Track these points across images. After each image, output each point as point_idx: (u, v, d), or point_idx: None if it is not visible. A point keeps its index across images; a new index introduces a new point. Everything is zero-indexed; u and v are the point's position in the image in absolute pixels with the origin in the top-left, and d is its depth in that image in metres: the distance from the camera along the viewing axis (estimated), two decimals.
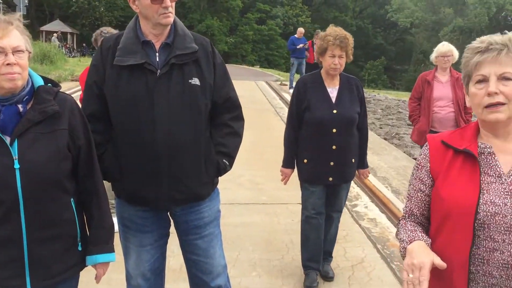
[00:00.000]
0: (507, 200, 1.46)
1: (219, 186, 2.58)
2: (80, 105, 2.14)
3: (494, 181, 1.49)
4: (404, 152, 9.10)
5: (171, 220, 2.52)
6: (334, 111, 3.39)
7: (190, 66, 2.29)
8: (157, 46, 2.26)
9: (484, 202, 1.46)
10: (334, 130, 3.37)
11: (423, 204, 1.64)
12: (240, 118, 2.56)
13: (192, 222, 2.44)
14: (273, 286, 3.68)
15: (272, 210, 5.35)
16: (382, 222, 5.18)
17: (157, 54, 2.25)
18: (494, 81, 1.45)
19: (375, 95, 21.78)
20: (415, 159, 8.53)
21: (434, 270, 1.54)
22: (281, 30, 52.64)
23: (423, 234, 1.58)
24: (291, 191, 5.75)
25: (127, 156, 2.27)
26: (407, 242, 1.54)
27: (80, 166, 1.97)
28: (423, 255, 1.45)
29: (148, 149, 2.22)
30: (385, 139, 10.60)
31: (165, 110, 2.21)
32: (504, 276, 1.46)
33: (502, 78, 1.45)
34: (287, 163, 3.64)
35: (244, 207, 5.44)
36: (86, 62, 21.44)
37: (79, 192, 2.00)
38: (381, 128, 12.33)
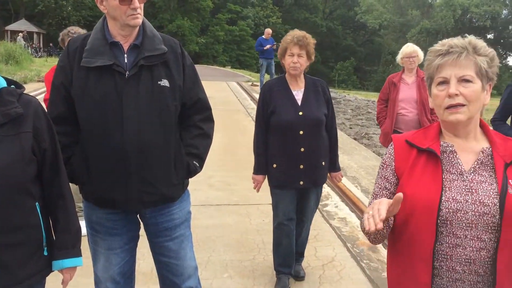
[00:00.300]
0: (468, 197, 1.51)
1: (190, 187, 2.57)
2: (44, 106, 2.09)
3: (456, 179, 1.54)
4: (374, 152, 9.24)
5: (141, 223, 2.49)
6: (300, 113, 3.36)
7: (159, 68, 2.27)
8: (126, 47, 2.23)
9: (446, 199, 1.51)
10: (301, 132, 3.34)
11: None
12: (210, 120, 2.56)
13: (162, 224, 2.42)
14: (245, 287, 3.68)
15: (244, 211, 5.35)
16: (352, 221, 5.25)
17: (125, 55, 2.22)
18: (455, 83, 1.50)
19: (345, 96, 22.07)
20: None
21: (400, 266, 1.60)
22: (252, 31, 52.70)
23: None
24: (263, 191, 5.68)
25: (95, 159, 2.23)
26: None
27: (45, 170, 1.93)
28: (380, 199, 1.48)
29: (117, 151, 2.19)
30: (355, 139, 10.76)
31: (134, 112, 2.19)
32: (467, 271, 1.51)
33: (462, 80, 1.50)
34: (258, 170, 3.58)
35: (216, 208, 5.42)
36: (53, 62, 20.97)
37: (45, 196, 1.96)
38: (351, 128, 12.51)
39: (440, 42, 1.59)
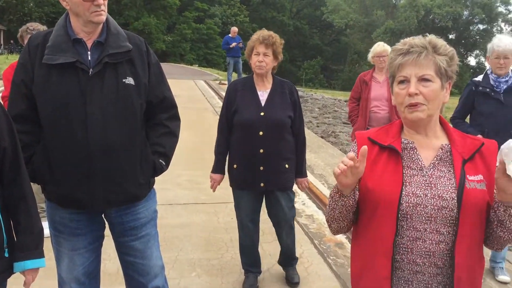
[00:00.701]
0: (427, 191, 1.55)
1: (157, 186, 2.55)
2: (2, 104, 2.04)
3: (416, 174, 1.59)
4: (340, 150, 9.37)
5: (106, 222, 2.46)
6: (262, 114, 3.32)
7: (124, 66, 2.25)
8: (89, 44, 2.20)
9: (406, 194, 1.56)
10: (261, 133, 3.30)
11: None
12: (176, 118, 2.55)
13: (128, 223, 2.39)
14: (213, 285, 3.68)
15: (212, 210, 5.34)
16: (319, 218, 5.31)
17: (89, 52, 2.19)
18: (414, 82, 1.54)
19: (312, 94, 22.29)
20: None
21: (361, 260, 1.64)
22: (219, 29, 52.53)
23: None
24: (230, 189, 5.75)
25: (58, 158, 2.19)
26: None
27: (5, 170, 1.88)
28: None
29: (81, 150, 2.15)
30: (322, 137, 10.87)
31: (98, 110, 2.16)
32: (427, 263, 1.55)
33: (422, 79, 1.55)
34: (216, 169, 3.58)
35: (184, 207, 5.39)
36: (14, 59, 20.36)
37: (5, 196, 1.91)
38: (318, 126, 12.64)
39: (402, 41, 1.63)
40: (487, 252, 4.14)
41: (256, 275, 3.67)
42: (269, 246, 4.38)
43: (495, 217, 1.55)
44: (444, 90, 1.59)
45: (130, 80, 2.25)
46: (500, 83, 3.86)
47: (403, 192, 1.56)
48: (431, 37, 1.60)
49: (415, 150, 1.62)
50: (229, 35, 15.11)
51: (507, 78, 3.87)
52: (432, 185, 1.57)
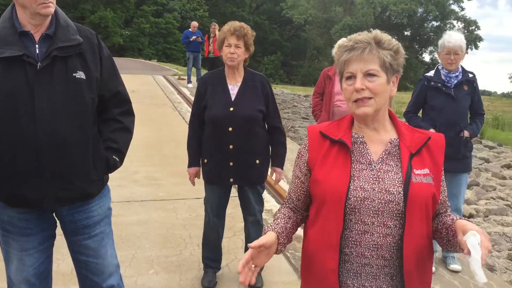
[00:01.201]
0: (375, 186, 1.58)
1: (113, 183, 2.50)
2: None
3: (365, 168, 1.62)
4: (299, 145, 9.45)
5: (57, 221, 2.39)
6: (231, 109, 3.29)
7: (74, 59, 2.18)
8: (37, 37, 2.12)
9: (354, 188, 1.58)
10: (230, 129, 3.27)
11: (299, 190, 1.75)
12: (130, 113, 2.50)
13: (81, 221, 2.33)
14: (171, 282, 3.65)
15: (170, 206, 5.28)
16: None
17: (36, 45, 2.11)
18: (360, 78, 1.57)
19: None
20: None
21: (310, 253, 1.67)
22: (179, 24, 51.80)
23: (283, 223, 1.71)
24: (189, 185, 5.67)
25: (5, 154, 2.10)
26: (265, 231, 1.68)
27: None
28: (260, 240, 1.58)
29: (29, 146, 2.08)
30: None
31: (46, 105, 2.09)
32: (374, 256, 1.58)
33: (367, 74, 1.57)
34: (190, 163, 3.56)
35: (141, 204, 5.31)
36: None
37: None
38: None
39: (348, 37, 1.65)
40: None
41: (215, 271, 3.66)
42: (228, 242, 4.38)
43: (445, 235, 1.61)
44: (390, 84, 1.61)
45: (80, 75, 2.19)
46: (451, 78, 3.98)
47: (351, 187, 1.58)
48: (376, 32, 1.61)
49: (364, 145, 1.65)
50: (189, 29, 14.96)
51: (457, 74, 3.99)
52: (380, 179, 1.59)
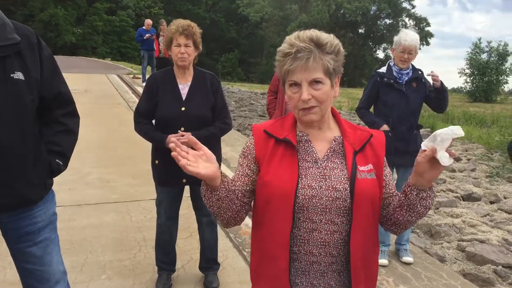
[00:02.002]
0: (322, 183, 1.58)
1: (64, 187, 2.42)
2: None
3: (311, 166, 1.61)
4: None
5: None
6: (182, 109, 3.23)
7: (12, 59, 2.07)
8: None
9: (302, 186, 1.57)
10: (182, 129, 3.21)
11: (245, 188, 1.68)
12: (74, 115, 2.40)
13: (23, 228, 2.23)
14: (124, 287, 3.55)
15: (124, 208, 5.16)
16: None
17: None
18: (306, 88, 1.54)
19: (228, 88, 22.36)
20: None
21: (260, 251, 1.68)
22: (133, 22, 50.94)
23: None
24: (144, 186, 5.63)
25: None
26: None
27: None
28: None
29: None
30: (238, 130, 10.93)
31: None
32: (322, 254, 1.59)
33: (313, 82, 1.54)
34: (160, 137, 3.23)
35: (93, 207, 5.15)
36: None
37: None
38: (234, 120, 12.67)
39: (287, 40, 1.58)
40: (392, 236, 4.39)
41: (169, 273, 3.60)
42: (184, 243, 4.33)
43: (405, 202, 1.59)
44: (333, 87, 1.61)
45: (19, 75, 2.08)
46: (402, 75, 4.06)
47: (299, 185, 1.57)
48: (315, 34, 1.56)
49: (309, 143, 1.65)
50: (143, 27, 14.70)
51: (408, 71, 4.08)
52: (326, 176, 1.59)
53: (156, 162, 3.36)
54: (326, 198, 1.57)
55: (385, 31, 56.09)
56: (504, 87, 29.99)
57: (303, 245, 1.59)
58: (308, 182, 1.58)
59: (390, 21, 55.40)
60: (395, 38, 4.09)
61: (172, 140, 3.14)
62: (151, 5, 53.98)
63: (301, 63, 1.52)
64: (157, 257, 3.61)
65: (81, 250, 4.05)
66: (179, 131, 3.22)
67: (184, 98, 3.28)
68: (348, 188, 1.57)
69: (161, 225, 3.51)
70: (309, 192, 1.57)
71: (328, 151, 1.64)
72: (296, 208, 1.57)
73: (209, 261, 3.66)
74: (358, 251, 1.58)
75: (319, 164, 1.62)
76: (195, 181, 3.37)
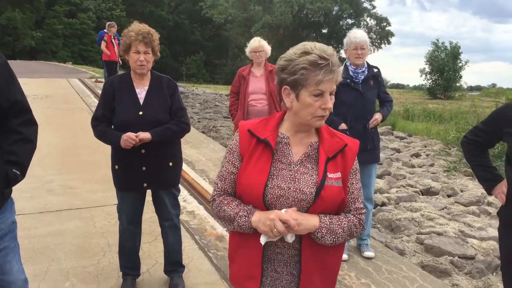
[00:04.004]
0: (291, 185, 1.73)
1: (25, 194, 2.40)
2: None
3: (285, 168, 1.76)
4: (221, 144, 9.49)
5: None
6: (140, 113, 3.22)
7: None
8: None
9: (271, 186, 1.73)
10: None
11: (234, 184, 1.84)
12: (31, 123, 2.38)
13: None
14: None
15: (87, 214, 5.11)
16: (200, 213, 5.35)
17: None
18: (330, 99, 1.70)
19: (193, 90, 22.27)
20: None
21: (237, 239, 1.86)
22: (94, 24, 50.00)
23: (248, 206, 1.79)
24: (107, 192, 5.59)
25: None
26: (247, 216, 1.74)
27: None
28: (270, 212, 1.70)
29: None
30: (203, 132, 10.92)
31: None
32: (286, 246, 1.79)
33: (331, 93, 1.71)
34: (116, 136, 3.18)
35: (56, 214, 5.08)
36: None
37: None
38: (199, 122, 12.66)
39: (316, 50, 1.67)
40: None
41: (134, 278, 3.61)
42: (149, 246, 4.33)
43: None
44: None
45: None
46: (358, 74, 4.19)
47: (269, 185, 1.73)
48: (334, 51, 1.70)
49: (288, 146, 1.79)
50: (105, 30, 14.48)
51: (363, 69, 4.21)
52: (296, 179, 1.74)
53: (116, 167, 3.34)
54: (293, 199, 1.73)
55: (347, 31, 56.88)
56: (461, 83, 31.03)
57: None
58: (278, 183, 1.74)
59: (352, 21, 56.31)
60: (345, 39, 4.26)
61: (126, 135, 3.12)
62: (113, 7, 53.07)
63: (333, 76, 1.67)
64: (121, 262, 3.60)
65: (43, 258, 4.01)
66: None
67: (141, 103, 3.27)
68: (314, 192, 1.72)
69: (123, 231, 3.50)
70: (278, 192, 1.73)
71: (303, 155, 1.79)
72: (266, 204, 1.73)
73: (173, 264, 3.68)
74: (307, 244, 1.76)
75: (291, 167, 1.77)
76: (157, 186, 3.39)
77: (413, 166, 8.51)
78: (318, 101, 1.68)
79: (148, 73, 3.37)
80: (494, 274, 4.21)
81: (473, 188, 6.87)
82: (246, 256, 1.83)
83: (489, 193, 2.61)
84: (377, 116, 4.20)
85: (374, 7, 56.02)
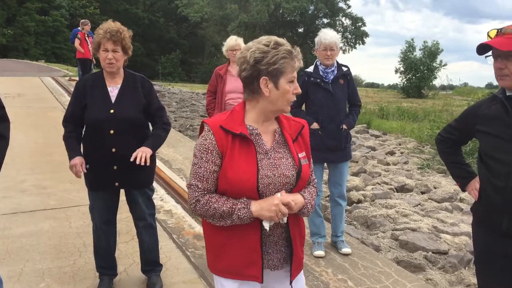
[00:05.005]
0: (275, 172, 1.87)
1: None
2: None
3: (264, 157, 1.87)
4: None
5: None
6: (111, 111, 3.17)
7: None
8: None
9: (261, 177, 1.84)
10: (112, 132, 3.16)
11: (216, 182, 1.87)
12: (3, 119, 2.36)
13: None
14: None
15: (63, 215, 5.04)
16: (178, 212, 5.33)
17: None
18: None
19: (169, 89, 22.12)
20: None
21: (228, 231, 1.89)
22: (67, 22, 49.17)
23: (242, 198, 1.86)
24: (82, 191, 5.46)
25: None
26: (246, 207, 1.82)
27: None
28: (270, 199, 1.82)
29: None
30: (179, 131, 10.87)
31: None
32: (275, 227, 1.94)
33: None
34: (71, 155, 3.22)
35: (30, 214, 5.00)
36: None
37: None
38: (176, 121, 12.59)
39: (282, 41, 1.86)
40: (327, 228, 4.56)
41: (111, 278, 3.57)
42: (126, 246, 4.29)
43: None
44: None
45: None
46: (328, 74, 4.23)
47: (260, 176, 1.83)
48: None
49: (259, 136, 1.89)
50: (78, 27, 14.26)
51: (333, 68, 4.25)
52: (277, 166, 1.88)
53: (87, 166, 3.27)
54: (279, 184, 1.87)
55: None
56: (433, 82, 31.64)
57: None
58: (265, 172, 1.85)
59: (328, 21, 56.71)
60: (316, 39, 4.29)
61: (75, 163, 3.17)
62: (86, 5, 52.28)
63: (299, 64, 1.87)
64: (97, 263, 3.56)
65: (17, 259, 3.93)
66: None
67: (113, 101, 3.23)
68: (295, 174, 1.89)
69: (97, 231, 3.45)
70: (266, 180, 1.85)
71: (274, 142, 1.92)
72: (259, 195, 1.84)
73: (150, 263, 3.65)
74: (291, 220, 1.95)
75: (269, 155, 1.89)
76: (130, 185, 3.34)
77: (388, 164, 8.64)
78: (292, 87, 1.85)
79: (121, 72, 3.32)
80: (466, 268, 4.32)
81: (446, 185, 7.02)
82: (244, 246, 1.89)
83: (463, 190, 2.67)
84: (344, 127, 4.24)
85: (349, 7, 56.53)
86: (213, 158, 1.83)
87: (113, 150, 3.19)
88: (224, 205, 1.81)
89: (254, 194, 1.82)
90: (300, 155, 1.92)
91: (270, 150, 1.88)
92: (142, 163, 3.11)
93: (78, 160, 3.20)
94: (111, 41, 3.13)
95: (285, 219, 1.89)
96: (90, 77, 3.36)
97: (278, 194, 1.83)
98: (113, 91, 3.26)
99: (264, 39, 1.84)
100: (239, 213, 1.80)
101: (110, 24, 3.20)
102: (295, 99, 1.90)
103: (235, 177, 1.79)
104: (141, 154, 3.13)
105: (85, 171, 3.21)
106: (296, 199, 1.87)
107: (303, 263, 2.10)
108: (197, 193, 1.86)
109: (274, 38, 1.84)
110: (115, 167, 3.23)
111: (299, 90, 1.87)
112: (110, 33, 3.12)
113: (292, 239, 1.97)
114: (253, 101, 1.88)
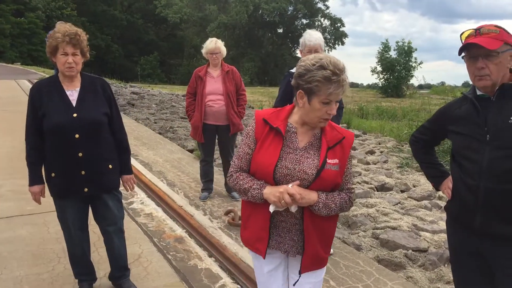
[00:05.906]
0: (296, 166, 2.14)
1: None
2: None
3: (291, 152, 2.17)
4: (178, 145, 9.40)
5: None
6: (74, 115, 3.07)
7: None
8: None
9: (280, 166, 2.14)
10: (77, 136, 3.07)
11: (248, 163, 2.25)
12: None
13: None
14: None
15: (41, 220, 4.95)
16: (159, 215, 5.29)
17: None
18: (334, 106, 2.08)
19: (149, 90, 21.92)
20: (189, 151, 8.91)
21: (249, 208, 2.28)
22: (43, 23, 48.43)
23: (260, 181, 2.19)
24: None
25: None
26: (260, 188, 2.15)
27: None
28: (280, 187, 2.11)
29: None
30: (159, 133, 10.79)
31: None
32: (289, 216, 2.21)
33: (336, 101, 2.08)
34: (33, 180, 3.23)
35: (6, 221, 4.91)
36: None
37: None
38: (155, 123, 12.49)
39: (329, 65, 2.01)
40: None
41: (91, 283, 3.52)
42: (105, 251, 4.22)
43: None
44: None
45: None
46: None
47: (278, 165, 2.14)
48: (344, 66, 2.05)
49: (295, 134, 2.19)
50: (54, 29, 14.05)
51: None
52: (300, 162, 2.14)
53: (53, 175, 3.17)
54: (297, 178, 2.13)
55: (302, 31, 57.71)
56: (410, 82, 32.10)
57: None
58: (286, 164, 2.14)
59: (307, 21, 57.10)
60: (301, 40, 4.26)
61: (35, 191, 3.26)
62: (63, 6, 51.53)
63: (341, 90, 2.04)
64: (74, 270, 3.50)
65: None
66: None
67: (74, 104, 3.12)
68: (315, 174, 2.12)
69: (71, 239, 3.37)
70: (285, 171, 2.14)
71: (308, 144, 2.19)
72: (275, 182, 2.14)
73: (121, 269, 3.57)
74: (308, 214, 2.16)
75: (297, 152, 2.17)
76: (99, 189, 3.26)
77: (368, 163, 8.72)
78: (325, 107, 2.06)
79: (78, 75, 3.22)
80: (446, 265, 4.38)
81: (425, 183, 7.11)
82: (258, 222, 2.24)
83: (437, 189, 2.71)
84: None
85: (327, 7, 57.01)
86: (249, 142, 2.23)
87: (80, 154, 3.10)
88: (246, 183, 2.19)
89: (270, 179, 2.13)
90: (331, 161, 2.12)
91: (301, 149, 2.16)
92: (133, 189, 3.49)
93: (37, 189, 3.25)
94: (70, 45, 3.03)
95: (292, 208, 2.11)
96: (45, 82, 3.23)
97: (290, 185, 2.08)
98: (73, 94, 3.15)
99: (317, 57, 2.06)
100: (253, 192, 2.16)
101: (67, 27, 3.09)
102: (328, 117, 2.10)
103: (259, 161, 2.16)
104: (129, 184, 3.48)
105: (44, 197, 3.30)
106: (306, 194, 2.09)
107: (323, 262, 2.30)
108: (233, 168, 2.28)
109: (325, 60, 2.02)
110: (82, 172, 3.14)
111: (334, 112, 2.07)
112: (69, 36, 3.01)
113: (305, 232, 2.18)
114: (296, 106, 2.20)
